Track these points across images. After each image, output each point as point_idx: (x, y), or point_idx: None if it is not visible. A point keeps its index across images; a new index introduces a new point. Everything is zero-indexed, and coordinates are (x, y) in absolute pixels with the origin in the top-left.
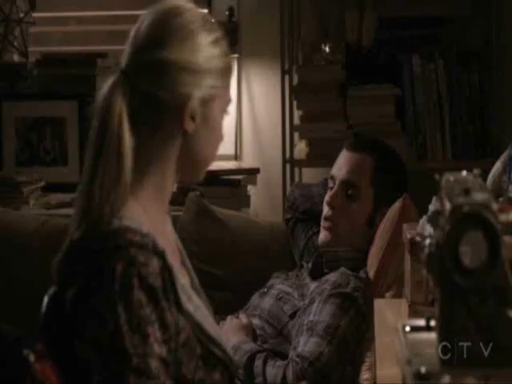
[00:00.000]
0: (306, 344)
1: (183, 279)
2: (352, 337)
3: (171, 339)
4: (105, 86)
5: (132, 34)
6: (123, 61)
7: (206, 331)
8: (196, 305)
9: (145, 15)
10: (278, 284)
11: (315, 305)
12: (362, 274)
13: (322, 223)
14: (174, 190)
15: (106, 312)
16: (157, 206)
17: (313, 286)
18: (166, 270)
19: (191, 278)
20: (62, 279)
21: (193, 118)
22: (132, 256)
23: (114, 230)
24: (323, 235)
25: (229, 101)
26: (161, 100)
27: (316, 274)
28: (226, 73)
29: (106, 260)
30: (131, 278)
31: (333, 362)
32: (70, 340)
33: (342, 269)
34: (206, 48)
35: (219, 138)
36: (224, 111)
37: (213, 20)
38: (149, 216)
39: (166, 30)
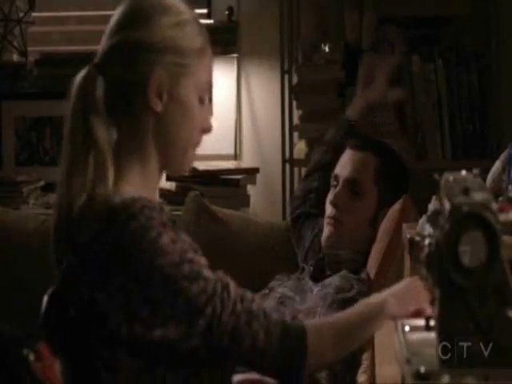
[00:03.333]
0: None
1: None
2: None
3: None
4: (76, 79)
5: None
6: (97, 52)
7: None
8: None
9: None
10: (280, 287)
11: (319, 309)
12: (363, 275)
13: (326, 221)
14: (173, 189)
15: (146, 270)
16: (148, 189)
17: (316, 289)
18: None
19: None
20: (73, 272)
21: (159, 97)
22: (148, 215)
23: (120, 203)
24: (326, 232)
25: (205, 84)
26: (126, 82)
27: (318, 276)
28: (195, 53)
29: (127, 228)
30: (156, 228)
31: (342, 372)
32: (72, 338)
33: (344, 272)
34: (169, 28)
35: (196, 122)
36: (200, 94)
37: (183, 5)
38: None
39: (130, 14)
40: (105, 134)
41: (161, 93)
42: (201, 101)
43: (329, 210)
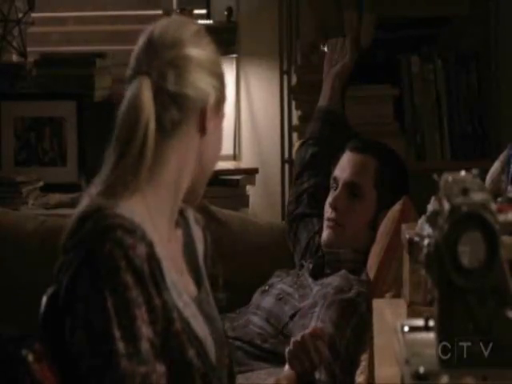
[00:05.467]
0: None
1: (177, 279)
2: (355, 346)
3: (157, 322)
4: (129, 91)
5: (145, 38)
6: (143, 64)
7: (193, 329)
8: (186, 302)
9: (155, 24)
10: (279, 283)
11: (317, 309)
12: (363, 276)
13: (326, 223)
14: None
15: (93, 295)
16: (165, 209)
17: (315, 288)
18: (154, 259)
19: (201, 292)
20: (58, 269)
21: (209, 120)
22: (119, 238)
23: (103, 215)
24: (326, 234)
25: (225, 103)
26: (186, 97)
27: (317, 274)
28: (223, 77)
29: (93, 243)
30: (118, 259)
31: (339, 374)
32: (64, 337)
33: (344, 272)
34: (212, 53)
35: (222, 143)
36: (223, 114)
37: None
38: (151, 216)
39: (184, 31)
40: (152, 145)
41: (211, 116)
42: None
43: (328, 212)
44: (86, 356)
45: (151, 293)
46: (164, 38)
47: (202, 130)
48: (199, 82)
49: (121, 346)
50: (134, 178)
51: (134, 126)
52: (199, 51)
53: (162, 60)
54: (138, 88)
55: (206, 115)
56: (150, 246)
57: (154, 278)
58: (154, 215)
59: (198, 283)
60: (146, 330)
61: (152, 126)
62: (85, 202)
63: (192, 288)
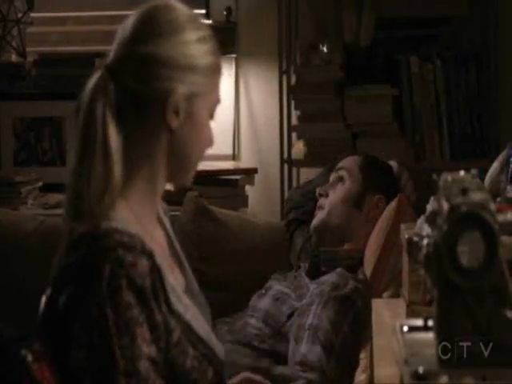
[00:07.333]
0: (308, 352)
1: (174, 280)
2: (352, 343)
3: (160, 339)
4: (89, 82)
5: (118, 31)
6: (108, 57)
7: (195, 331)
8: (186, 305)
9: (132, 13)
10: (276, 285)
11: (314, 307)
12: (359, 274)
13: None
14: (171, 189)
15: (94, 314)
16: (147, 206)
17: (311, 286)
18: (155, 270)
19: (188, 280)
20: (55, 283)
21: (176, 114)
22: (120, 257)
23: (102, 231)
24: (314, 219)
25: (216, 101)
26: (143, 95)
27: (313, 274)
28: (212, 71)
29: (94, 262)
30: (119, 279)
31: (335, 372)
32: (63, 343)
33: (340, 269)
34: (190, 45)
35: (206, 139)
36: (210, 111)
37: (201, 19)
38: (137, 217)
39: (150, 26)
40: (116, 140)
41: (178, 110)
42: (210, 117)
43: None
44: (89, 372)
45: (153, 310)
46: (131, 31)
47: (166, 126)
48: (157, 80)
49: (120, 365)
50: (110, 182)
51: (91, 127)
52: (164, 47)
53: (124, 55)
54: (94, 85)
55: (166, 112)
56: (150, 256)
57: (155, 291)
58: (139, 216)
59: (182, 268)
60: (146, 349)
61: (110, 125)
62: (71, 214)
63: (181, 279)
